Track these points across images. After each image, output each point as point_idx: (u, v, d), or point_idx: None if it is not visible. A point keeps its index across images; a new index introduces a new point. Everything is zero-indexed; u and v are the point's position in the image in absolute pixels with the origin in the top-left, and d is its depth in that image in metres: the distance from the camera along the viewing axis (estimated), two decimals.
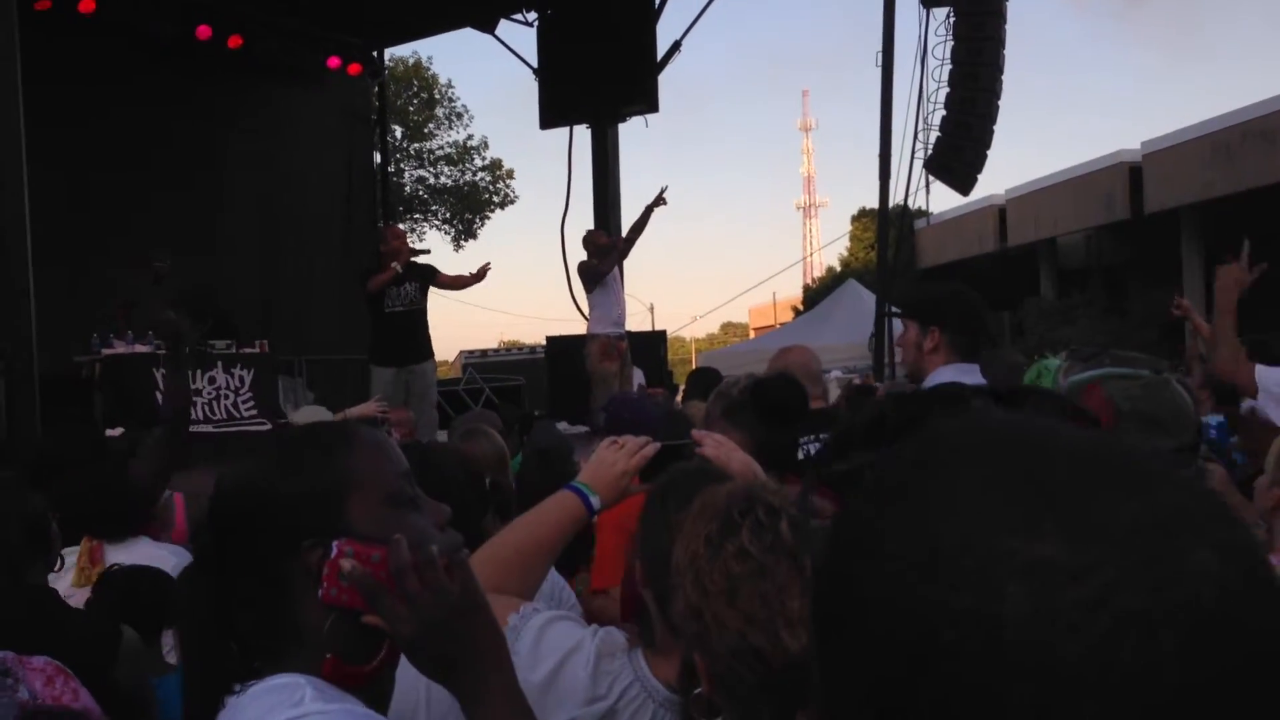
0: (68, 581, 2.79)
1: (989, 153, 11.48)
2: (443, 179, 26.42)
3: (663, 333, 13.67)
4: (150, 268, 8.93)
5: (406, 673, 1.21)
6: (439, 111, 26.14)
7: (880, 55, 11.30)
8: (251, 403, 9.74)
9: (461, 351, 18.85)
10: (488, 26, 12.98)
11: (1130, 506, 0.47)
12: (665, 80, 12.46)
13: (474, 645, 1.12)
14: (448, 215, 26.30)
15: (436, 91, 26.07)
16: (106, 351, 8.91)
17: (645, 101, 12.39)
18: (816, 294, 31.87)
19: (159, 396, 8.95)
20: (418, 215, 26.13)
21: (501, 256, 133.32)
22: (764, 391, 2.54)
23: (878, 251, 13.04)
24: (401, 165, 25.16)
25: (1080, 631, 0.44)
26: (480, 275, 8.65)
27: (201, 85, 11.49)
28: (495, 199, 26.70)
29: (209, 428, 8.75)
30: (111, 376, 8.83)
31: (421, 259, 8.72)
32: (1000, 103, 11.28)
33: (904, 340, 3.15)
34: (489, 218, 26.67)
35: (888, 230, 12.45)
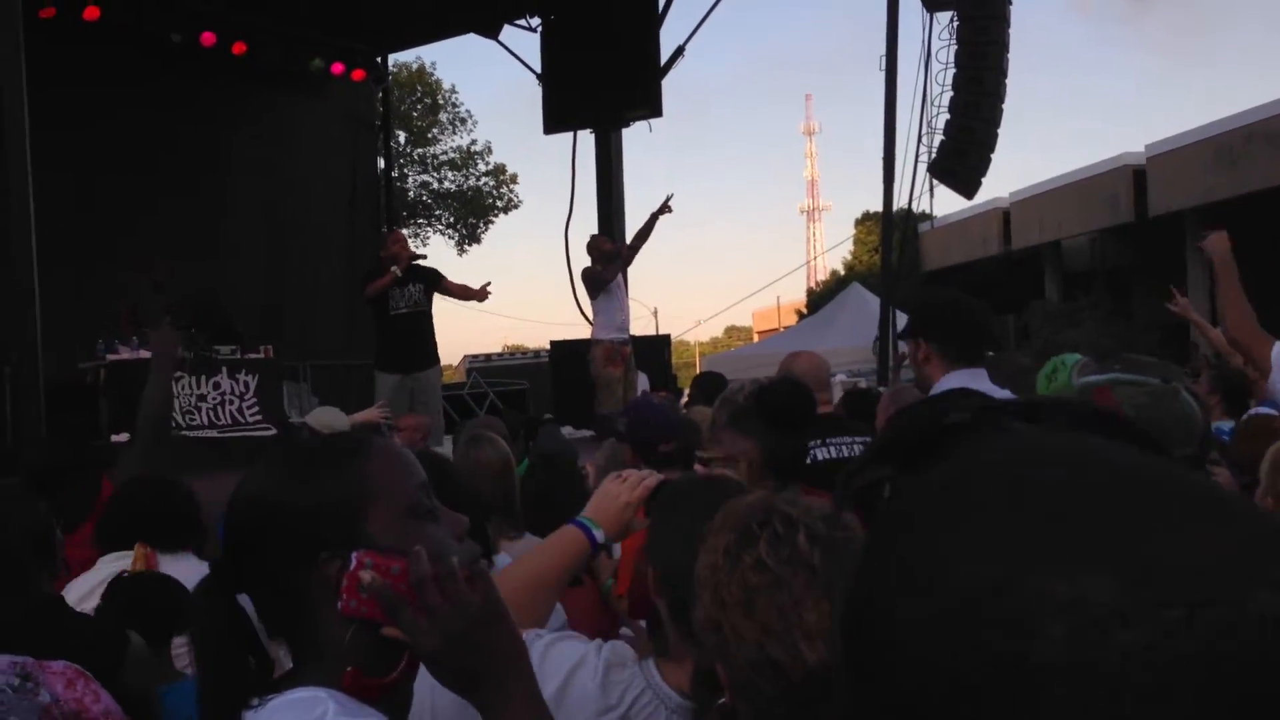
0: (78, 592, 2.79)
1: (993, 156, 11.48)
2: (446, 184, 26.45)
3: (667, 337, 13.66)
4: (151, 274, 8.94)
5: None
6: (443, 117, 26.17)
7: (884, 59, 11.32)
8: (256, 408, 9.74)
9: (465, 356, 18.88)
10: (491, 32, 12.99)
11: (1185, 541, 0.43)
12: (668, 85, 12.48)
13: (496, 656, 1.12)
14: (451, 220, 26.33)
15: (440, 97, 26.10)
16: (112, 357, 8.91)
17: (649, 106, 12.40)
18: (820, 298, 31.89)
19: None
20: (421, 220, 26.16)
21: (505, 261, 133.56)
22: (770, 397, 2.53)
23: (882, 255, 13.04)
24: (405, 170, 25.19)
25: (1129, 681, 0.40)
26: (483, 295, 8.64)
27: (206, 92, 11.51)
28: (499, 204, 26.72)
29: (213, 433, 8.75)
30: (117, 382, 8.82)
31: (423, 262, 8.71)
32: (1004, 106, 11.28)
33: (909, 351, 3.18)
34: (493, 222, 26.70)
35: (892, 234, 12.45)
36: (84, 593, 2.81)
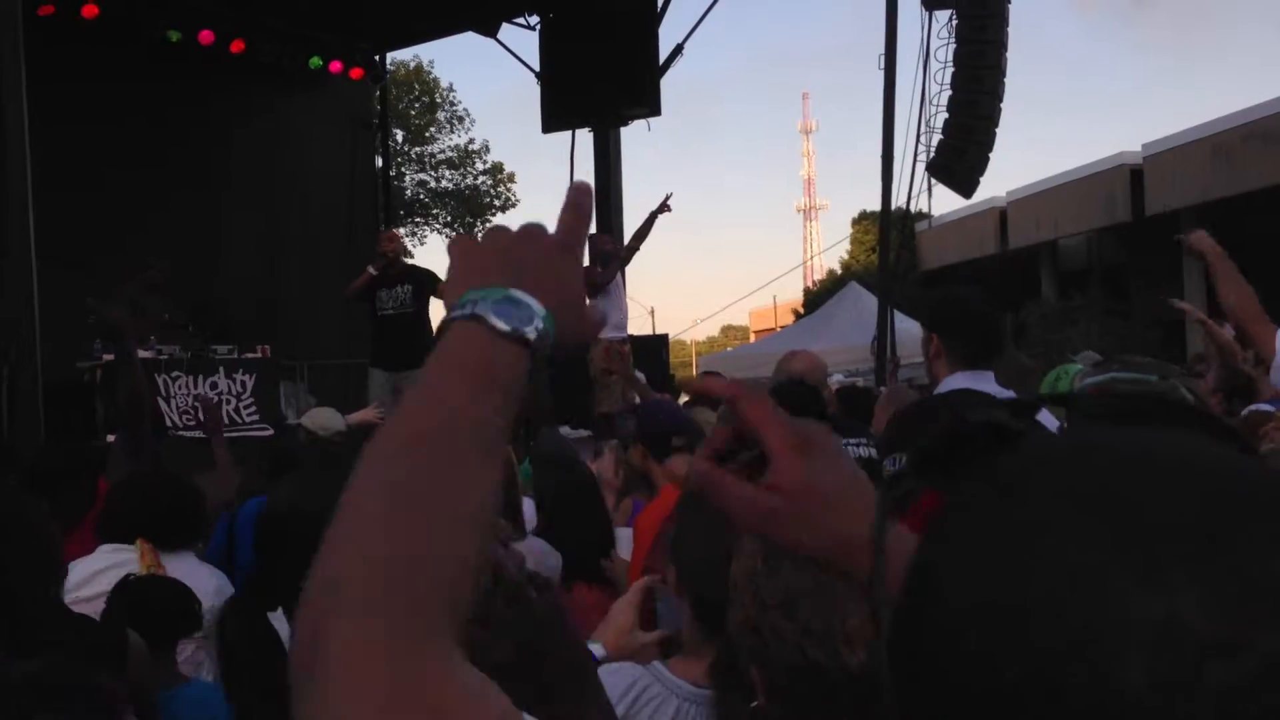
0: (74, 578, 2.77)
1: (991, 155, 11.48)
2: (444, 183, 26.45)
3: (664, 336, 13.64)
4: (146, 273, 8.92)
5: None
6: (440, 115, 26.17)
7: (882, 58, 11.30)
8: (253, 408, 9.73)
9: None
10: (489, 30, 12.97)
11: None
12: (667, 83, 12.47)
13: (560, 662, 1.10)
14: (449, 219, 26.32)
15: (438, 95, 26.09)
16: (107, 357, 8.89)
17: (647, 105, 12.39)
18: (817, 297, 31.88)
19: (161, 403, 8.96)
20: (419, 219, 26.15)
21: None
22: (781, 398, 2.53)
23: (879, 254, 13.03)
24: (403, 169, 25.18)
25: (1225, 716, 0.34)
26: None
27: (204, 90, 11.49)
28: (497, 203, 26.72)
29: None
30: (113, 382, 8.81)
31: (421, 264, 8.72)
32: (1002, 105, 11.28)
33: (923, 344, 3.19)
34: (490, 221, 26.69)
35: (890, 233, 12.44)
36: (81, 578, 2.76)
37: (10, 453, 4.72)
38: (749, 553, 1.23)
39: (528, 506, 3.40)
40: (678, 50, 12.42)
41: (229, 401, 9.23)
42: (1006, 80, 11.18)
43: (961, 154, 11.38)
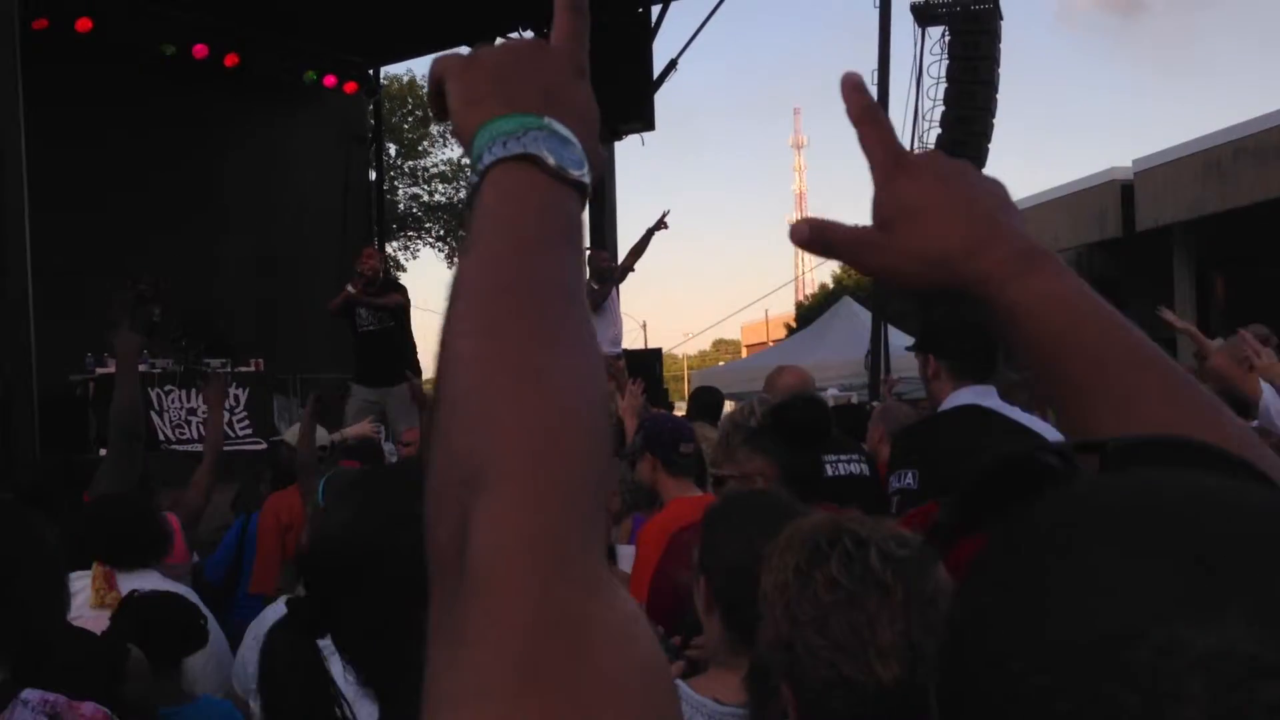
0: (77, 602, 2.75)
1: (984, 171, 11.52)
2: (437, 196, 26.46)
3: (658, 350, 13.67)
4: (137, 285, 8.90)
5: None
6: (433, 129, 26.18)
7: (875, 73, 11.34)
8: (246, 421, 9.70)
9: None
10: (484, 44, 12.97)
11: None
12: (661, 98, 12.49)
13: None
14: (441, 233, 26.31)
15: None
16: (100, 370, 8.86)
17: (642, 119, 12.40)
18: (809, 312, 31.92)
19: (153, 417, 8.92)
20: (411, 233, 26.14)
21: None
22: (786, 414, 2.53)
23: None
24: (396, 183, 25.18)
25: None
26: None
27: (197, 104, 11.48)
28: None
29: (203, 447, 8.69)
30: (106, 396, 8.76)
31: (400, 281, 8.80)
32: (995, 121, 11.34)
33: (918, 366, 3.18)
34: None
35: None
36: None
37: (6, 467, 4.70)
38: (778, 566, 1.22)
39: None
40: (672, 65, 12.45)
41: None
42: (998, 96, 11.25)
43: None
